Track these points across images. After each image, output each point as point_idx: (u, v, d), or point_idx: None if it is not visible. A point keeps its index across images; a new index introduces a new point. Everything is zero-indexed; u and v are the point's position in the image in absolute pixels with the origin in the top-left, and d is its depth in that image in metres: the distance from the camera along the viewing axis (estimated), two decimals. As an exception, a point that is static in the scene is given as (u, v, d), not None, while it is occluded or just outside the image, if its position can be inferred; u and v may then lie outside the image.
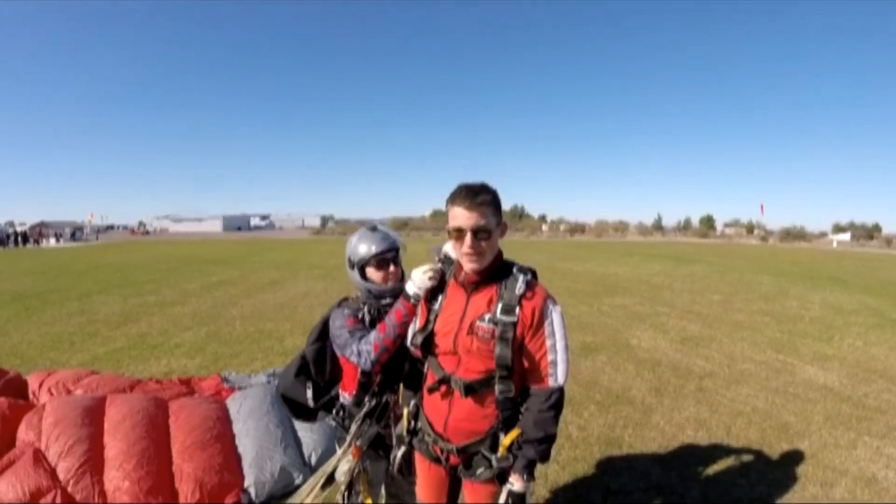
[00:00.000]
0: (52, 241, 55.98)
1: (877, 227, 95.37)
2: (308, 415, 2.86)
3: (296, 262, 25.06)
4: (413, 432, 2.37)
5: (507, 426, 2.14)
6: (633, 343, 9.15)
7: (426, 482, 2.41)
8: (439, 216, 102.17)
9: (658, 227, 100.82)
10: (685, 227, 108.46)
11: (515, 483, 2.11)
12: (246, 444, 4.02)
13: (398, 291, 2.46)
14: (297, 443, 4.19)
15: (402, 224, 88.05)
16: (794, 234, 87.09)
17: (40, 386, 4.88)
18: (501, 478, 2.15)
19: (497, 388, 2.09)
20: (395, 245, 2.58)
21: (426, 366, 2.28)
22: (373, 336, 2.35)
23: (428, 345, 2.22)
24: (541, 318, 2.07)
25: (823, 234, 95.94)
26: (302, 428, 4.29)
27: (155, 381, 5.26)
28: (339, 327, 2.51)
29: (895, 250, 64.00)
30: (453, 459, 2.24)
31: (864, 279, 22.79)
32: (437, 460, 2.31)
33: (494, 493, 2.20)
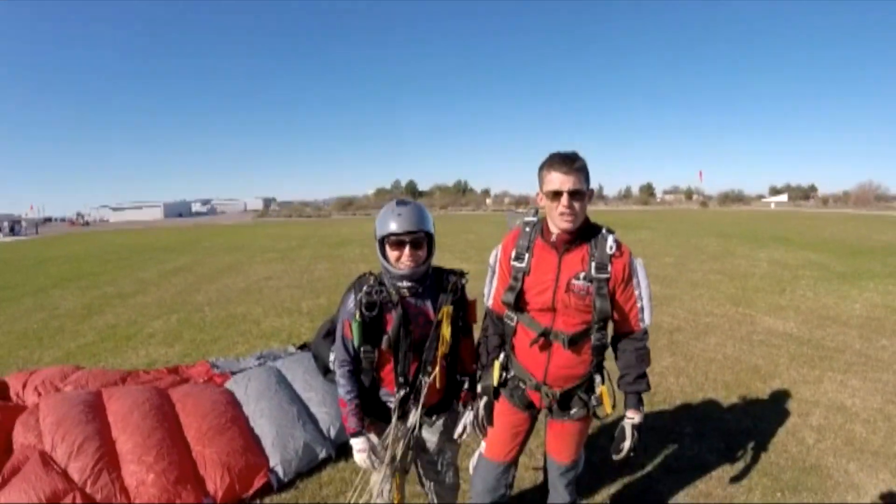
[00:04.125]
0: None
1: (812, 188, 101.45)
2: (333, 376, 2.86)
3: (247, 247, 25.43)
4: (503, 383, 2.68)
5: (597, 369, 2.57)
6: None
7: (507, 429, 2.71)
8: (382, 194, 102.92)
9: (600, 196, 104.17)
10: (626, 195, 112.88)
11: (635, 416, 2.55)
12: (263, 425, 4.22)
13: (413, 276, 2.53)
14: (313, 419, 4.44)
15: (347, 203, 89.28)
16: (732, 198, 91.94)
17: (24, 386, 4.87)
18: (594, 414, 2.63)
19: (594, 336, 2.45)
20: (416, 228, 2.49)
21: (515, 319, 2.56)
22: (340, 390, 2.61)
23: (518, 301, 2.52)
24: (630, 273, 2.45)
25: (761, 197, 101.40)
26: (315, 403, 4.55)
27: (144, 372, 5.38)
28: (340, 325, 2.65)
29: (831, 209, 68.05)
30: (545, 404, 2.61)
31: (805, 237, 24.95)
32: (528, 407, 2.67)
33: (584, 426, 2.69)
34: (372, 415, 2.71)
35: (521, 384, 2.63)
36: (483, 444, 2.80)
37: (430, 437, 2.81)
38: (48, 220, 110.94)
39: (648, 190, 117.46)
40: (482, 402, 2.70)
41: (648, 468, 4.14)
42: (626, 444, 2.54)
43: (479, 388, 2.73)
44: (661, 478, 4.02)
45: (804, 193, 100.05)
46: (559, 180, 2.33)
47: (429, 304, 2.61)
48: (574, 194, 2.32)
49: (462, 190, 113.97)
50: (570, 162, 2.33)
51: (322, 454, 4.18)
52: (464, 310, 2.69)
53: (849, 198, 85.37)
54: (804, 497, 3.78)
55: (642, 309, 2.49)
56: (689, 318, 8.81)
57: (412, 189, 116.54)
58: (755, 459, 4.25)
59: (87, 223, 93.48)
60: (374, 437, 2.66)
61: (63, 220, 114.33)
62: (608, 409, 2.55)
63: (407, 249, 2.49)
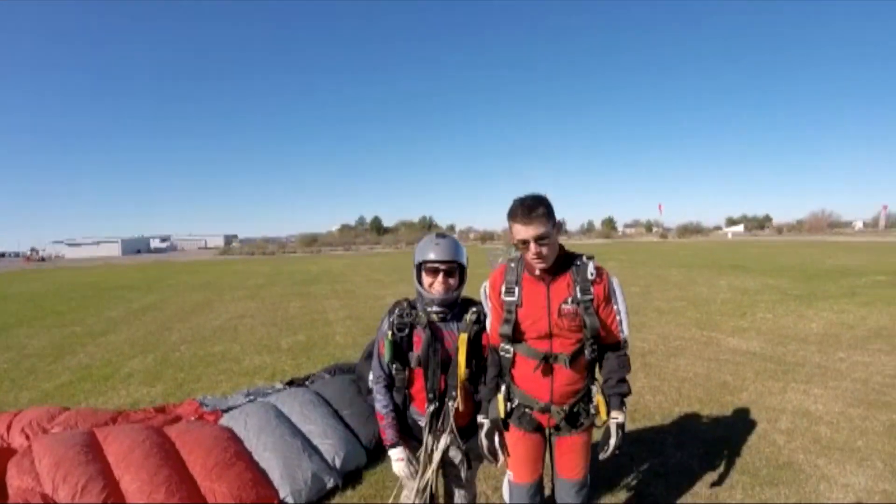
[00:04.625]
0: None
1: (767, 218, 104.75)
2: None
3: (214, 285, 25.36)
4: (510, 413, 2.86)
5: (592, 380, 2.86)
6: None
7: (525, 454, 2.89)
8: (347, 231, 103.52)
9: (563, 231, 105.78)
10: (588, 229, 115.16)
11: (619, 416, 2.77)
12: (268, 458, 4.34)
13: (444, 302, 2.83)
14: (317, 451, 4.57)
15: (311, 240, 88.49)
16: (691, 230, 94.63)
17: (9, 428, 4.83)
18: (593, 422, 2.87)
19: (587, 351, 2.72)
20: (450, 259, 2.80)
21: (511, 351, 2.78)
22: (377, 405, 2.91)
23: (514, 333, 2.74)
24: (610, 293, 2.74)
25: (718, 228, 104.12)
26: (316, 435, 4.68)
27: (133, 412, 5.41)
28: (375, 350, 2.96)
29: (786, 237, 70.25)
30: (553, 422, 2.81)
31: (761, 264, 26.16)
32: (537, 429, 2.86)
33: (588, 436, 2.88)
34: (405, 432, 2.98)
35: (528, 409, 2.83)
36: (509, 472, 2.99)
37: (457, 454, 3.01)
38: (1, 255, 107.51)
39: (610, 223, 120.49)
40: (484, 431, 2.86)
41: (639, 475, 4.46)
42: (612, 442, 2.75)
43: (479, 419, 2.91)
44: (651, 482, 4.33)
45: (760, 223, 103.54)
46: (522, 231, 2.56)
47: (455, 329, 2.90)
48: (538, 239, 2.55)
49: (427, 226, 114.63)
50: (528, 212, 2.55)
51: (330, 483, 4.31)
52: (481, 341, 2.96)
53: (802, 226, 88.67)
54: (781, 490, 4.15)
55: (621, 322, 2.78)
56: (660, 342, 9.24)
57: (377, 225, 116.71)
58: (733, 461, 4.61)
59: (42, 259, 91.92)
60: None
61: (17, 255, 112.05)
62: (603, 416, 2.79)
63: (440, 277, 2.81)
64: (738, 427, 5.39)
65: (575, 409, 2.82)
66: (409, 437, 2.99)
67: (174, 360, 9.37)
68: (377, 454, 4.77)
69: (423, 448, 2.89)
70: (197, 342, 10.91)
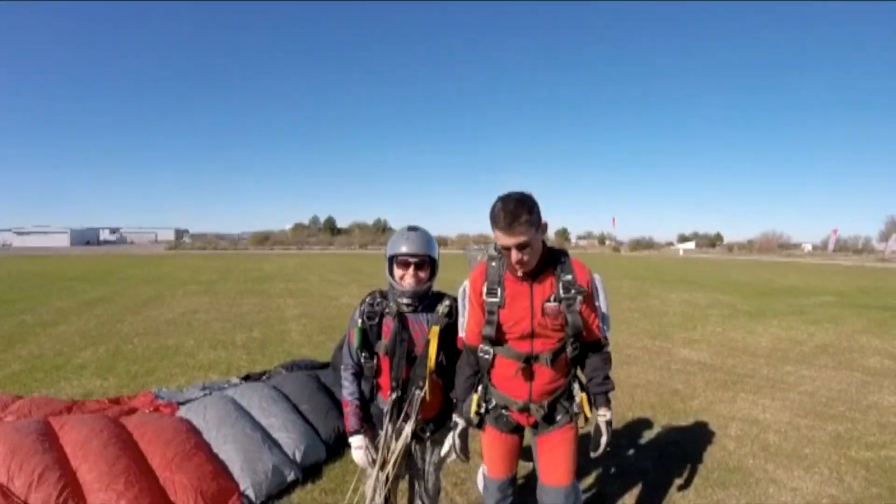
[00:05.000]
0: None
1: (718, 237, 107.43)
2: None
3: (166, 279, 25.07)
4: (485, 413, 2.87)
5: (574, 378, 2.87)
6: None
7: (501, 453, 2.93)
8: (300, 230, 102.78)
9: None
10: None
11: (607, 413, 2.81)
12: (228, 451, 4.31)
13: (414, 295, 2.86)
14: (277, 444, 4.55)
15: (264, 238, 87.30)
16: (643, 244, 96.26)
17: None
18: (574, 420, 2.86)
19: (568, 349, 2.73)
20: (421, 252, 2.83)
21: (491, 352, 2.75)
22: (344, 391, 2.96)
23: (496, 334, 2.72)
24: (593, 291, 2.76)
25: (670, 244, 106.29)
26: (276, 429, 4.67)
27: (88, 402, 5.33)
28: (346, 338, 3.02)
29: (736, 256, 72.28)
30: (532, 419, 2.83)
31: (712, 280, 27.00)
32: (515, 430, 2.90)
33: (569, 433, 2.84)
34: (370, 420, 3.02)
35: (504, 410, 2.85)
36: (483, 465, 3.03)
37: (420, 448, 3.09)
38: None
39: (563, 235, 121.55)
40: (458, 431, 2.89)
41: (595, 475, 4.59)
42: (604, 440, 2.79)
43: (454, 418, 2.92)
44: (607, 482, 4.47)
45: (711, 241, 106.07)
46: (503, 238, 2.52)
47: (425, 321, 2.94)
48: (520, 247, 2.51)
49: (382, 228, 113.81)
50: (511, 220, 2.47)
51: (290, 476, 4.31)
52: (456, 332, 2.97)
53: (753, 245, 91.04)
54: (732, 492, 4.33)
55: (604, 318, 2.81)
56: (613, 350, 9.22)
57: (331, 226, 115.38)
58: (686, 464, 4.78)
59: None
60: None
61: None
62: (588, 414, 2.80)
63: (411, 270, 2.85)
64: (689, 432, 5.59)
65: (554, 405, 2.83)
66: (374, 426, 3.02)
67: (127, 352, 9.21)
68: (337, 449, 4.80)
69: (381, 436, 2.90)
70: (150, 335, 10.73)
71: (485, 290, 2.72)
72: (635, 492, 4.29)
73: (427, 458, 3.12)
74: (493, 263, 2.76)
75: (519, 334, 2.70)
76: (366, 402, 3.01)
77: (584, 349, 2.84)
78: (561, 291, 2.66)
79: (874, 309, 16.06)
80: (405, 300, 2.88)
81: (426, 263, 2.89)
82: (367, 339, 2.90)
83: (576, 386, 2.87)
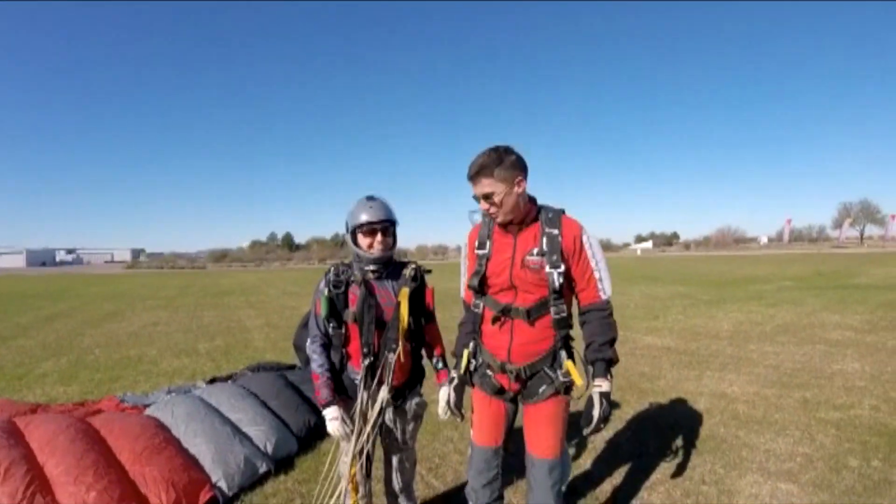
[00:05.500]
0: None
1: (675, 235, 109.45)
2: None
3: (125, 295, 24.98)
4: (473, 371, 2.85)
5: (565, 346, 2.69)
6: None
7: (486, 417, 2.84)
8: (258, 247, 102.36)
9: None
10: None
11: (603, 384, 2.60)
12: (198, 444, 4.24)
13: (382, 260, 2.92)
14: (248, 437, 4.49)
15: (222, 255, 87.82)
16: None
17: None
18: (566, 391, 2.68)
19: (552, 309, 2.61)
20: (384, 217, 2.89)
21: (481, 305, 2.77)
22: (313, 364, 2.92)
23: (482, 285, 2.73)
24: (581, 245, 2.63)
25: (627, 245, 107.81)
26: (245, 423, 4.61)
27: (52, 405, 5.23)
28: (312, 310, 3.00)
29: (693, 252, 73.65)
30: (515, 386, 2.73)
31: (670, 275, 27.61)
32: (499, 392, 2.78)
33: (556, 407, 2.69)
34: (342, 392, 2.99)
35: (489, 371, 2.78)
36: (472, 431, 2.97)
37: (395, 416, 3.08)
38: None
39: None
40: (452, 385, 2.89)
41: (568, 449, 4.53)
42: (596, 414, 2.57)
43: (451, 373, 2.94)
44: (580, 455, 4.52)
45: (668, 240, 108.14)
46: (474, 188, 2.61)
47: (390, 287, 2.98)
48: (486, 196, 2.57)
49: (339, 243, 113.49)
50: (473, 171, 2.59)
51: (262, 468, 4.25)
52: (423, 296, 3.06)
53: (709, 242, 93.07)
54: (707, 458, 4.40)
55: (601, 279, 2.66)
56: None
57: (289, 242, 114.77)
58: (658, 436, 4.86)
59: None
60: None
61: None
62: (578, 382, 2.64)
63: (378, 236, 2.90)
64: (660, 408, 5.68)
65: (537, 373, 2.69)
66: (347, 396, 3.00)
67: (89, 362, 9.08)
68: (309, 442, 4.78)
69: (357, 404, 2.88)
70: (111, 346, 10.59)
71: (477, 244, 2.78)
72: (609, 464, 4.31)
73: (402, 428, 3.11)
74: (486, 219, 2.78)
75: (500, 286, 2.69)
76: (337, 373, 2.98)
77: (582, 314, 2.73)
78: (544, 244, 2.61)
79: (832, 289, 16.59)
80: (372, 267, 2.94)
81: (389, 228, 2.95)
82: (335, 308, 2.91)
83: (563, 353, 2.68)
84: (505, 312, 2.67)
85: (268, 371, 6.09)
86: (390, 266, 3.02)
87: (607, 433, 4.90)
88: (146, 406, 5.08)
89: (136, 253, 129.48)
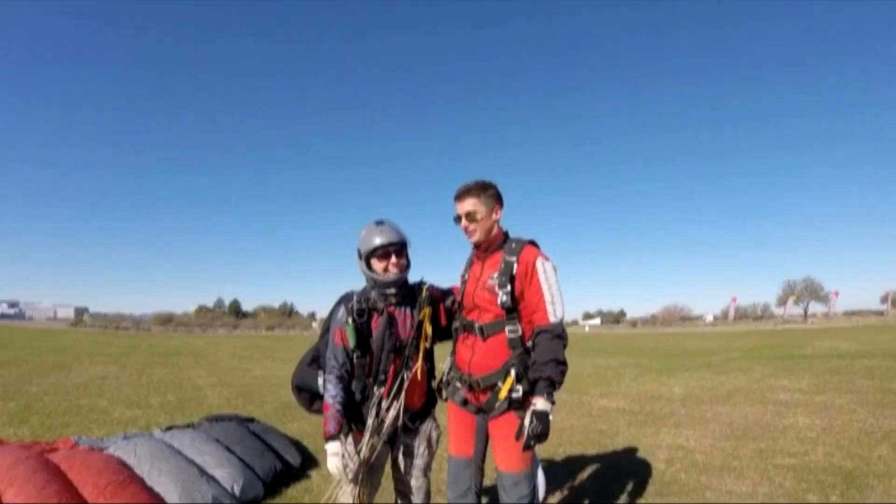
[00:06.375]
0: None
1: (622, 313, 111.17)
2: (320, 406, 3.07)
3: (70, 349, 24.63)
4: (447, 383, 3.13)
5: (518, 365, 2.82)
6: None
7: (456, 429, 3.07)
8: (204, 312, 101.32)
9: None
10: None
11: (538, 403, 2.66)
12: (164, 483, 4.13)
13: (400, 282, 2.99)
14: (214, 478, 4.40)
15: (167, 319, 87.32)
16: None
17: None
18: (518, 407, 2.81)
19: (507, 328, 2.84)
20: (397, 240, 2.96)
21: (457, 323, 3.09)
22: (326, 394, 2.92)
23: (460, 306, 3.08)
24: (533, 270, 2.83)
25: (575, 322, 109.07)
26: (211, 465, 4.52)
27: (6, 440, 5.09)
28: (331, 342, 3.01)
29: (640, 330, 75.01)
30: (479, 397, 2.94)
31: (620, 349, 28.52)
32: (464, 403, 3.01)
33: (515, 424, 2.75)
34: (361, 423, 2.97)
35: (458, 384, 3.03)
36: (448, 442, 3.13)
37: (411, 441, 3.10)
38: None
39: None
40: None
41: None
42: (525, 433, 2.63)
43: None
44: (551, 499, 4.57)
45: (615, 317, 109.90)
46: (457, 207, 2.95)
47: (408, 310, 3.06)
48: (469, 216, 2.91)
49: (288, 312, 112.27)
50: (460, 191, 2.95)
51: None
52: (438, 314, 3.18)
53: (656, 319, 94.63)
54: (672, 499, 4.56)
55: (551, 302, 2.80)
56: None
57: (236, 308, 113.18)
58: (622, 483, 4.96)
59: None
60: (349, 446, 2.93)
61: None
62: (501, 395, 2.79)
63: (393, 258, 2.96)
64: (621, 458, 5.82)
65: (492, 387, 2.87)
66: (364, 428, 2.95)
67: (39, 407, 8.82)
68: (275, 488, 4.76)
69: (367, 430, 2.89)
70: (60, 395, 10.31)
71: (462, 270, 3.20)
72: None
73: (416, 454, 3.10)
74: (472, 252, 3.15)
75: (466, 306, 3.02)
76: (356, 406, 2.97)
77: (535, 337, 2.83)
78: (502, 268, 2.87)
79: (778, 359, 17.22)
80: (392, 290, 2.98)
81: (402, 250, 3.01)
82: (362, 337, 2.91)
83: (513, 371, 2.81)
84: (468, 328, 2.98)
85: (228, 421, 5.92)
86: (406, 289, 3.06)
87: (571, 479, 5.01)
88: (103, 450, 4.85)
89: (80, 311, 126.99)
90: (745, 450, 5.92)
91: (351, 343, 2.88)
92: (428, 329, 3.01)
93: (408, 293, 3.07)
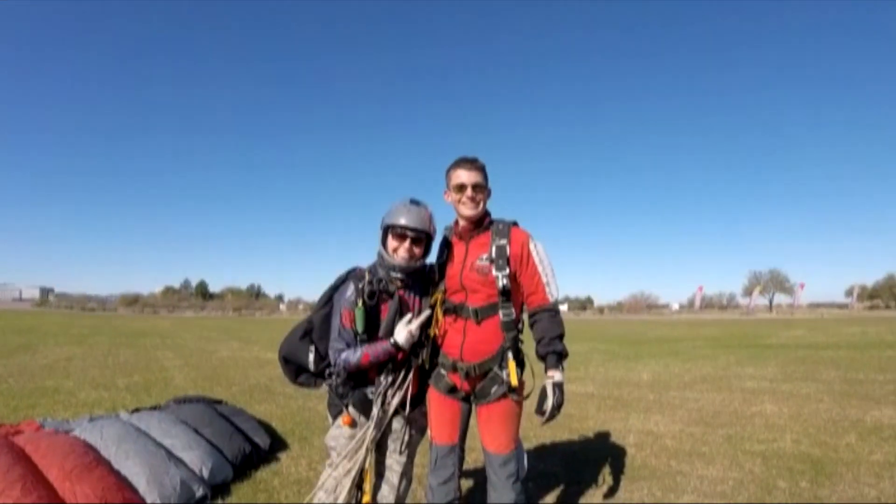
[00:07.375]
0: None
1: (589, 300, 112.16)
2: (307, 379, 3.10)
3: (35, 331, 24.26)
4: (431, 368, 3.02)
5: (513, 348, 2.87)
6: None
7: (442, 415, 3.01)
8: (171, 293, 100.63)
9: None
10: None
11: (555, 375, 2.82)
12: (131, 466, 4.07)
13: (407, 270, 2.88)
14: (182, 461, 4.36)
15: (133, 300, 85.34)
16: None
17: None
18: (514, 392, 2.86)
19: (501, 311, 2.84)
20: (420, 227, 2.84)
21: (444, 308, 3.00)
22: (354, 358, 2.80)
23: (435, 286, 3.04)
24: (528, 252, 2.89)
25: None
26: (179, 448, 4.47)
27: None
28: (336, 317, 2.91)
29: (606, 317, 76.05)
30: (467, 385, 2.93)
31: (588, 335, 28.74)
32: (452, 391, 2.97)
33: (508, 406, 2.88)
34: (357, 408, 2.93)
35: (443, 370, 2.97)
36: (429, 430, 3.10)
37: (399, 426, 3.04)
38: None
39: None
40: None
41: None
42: (549, 403, 2.76)
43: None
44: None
45: (582, 304, 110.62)
46: (464, 176, 2.91)
47: (417, 297, 3.02)
48: (476, 186, 2.90)
49: (255, 294, 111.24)
50: (472, 161, 2.96)
51: (199, 493, 4.15)
52: None
53: (623, 307, 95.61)
54: (643, 484, 4.61)
55: (548, 283, 2.89)
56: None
57: (203, 290, 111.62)
58: (593, 467, 5.03)
59: None
60: (340, 429, 2.95)
61: None
62: (513, 380, 2.80)
63: (407, 243, 2.85)
64: (591, 444, 5.89)
65: (487, 374, 2.87)
66: (362, 413, 2.92)
67: (3, 389, 8.73)
68: (244, 470, 4.74)
69: (373, 418, 2.87)
70: (25, 377, 10.18)
71: (438, 254, 3.10)
72: (547, 491, 4.46)
73: (405, 435, 3.05)
74: (445, 232, 3.14)
75: (453, 289, 2.96)
76: (355, 390, 2.91)
77: (532, 316, 2.93)
78: (493, 251, 2.86)
79: (744, 348, 17.62)
80: (397, 275, 2.89)
81: (422, 240, 2.90)
82: (370, 321, 2.84)
83: (510, 354, 2.85)
84: (457, 311, 2.91)
85: (195, 403, 5.87)
86: (417, 276, 3.01)
87: (542, 464, 5.05)
88: (68, 432, 4.77)
89: (45, 292, 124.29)
90: (714, 436, 6.04)
91: (359, 327, 2.81)
92: (439, 313, 2.94)
93: (418, 281, 3.03)
